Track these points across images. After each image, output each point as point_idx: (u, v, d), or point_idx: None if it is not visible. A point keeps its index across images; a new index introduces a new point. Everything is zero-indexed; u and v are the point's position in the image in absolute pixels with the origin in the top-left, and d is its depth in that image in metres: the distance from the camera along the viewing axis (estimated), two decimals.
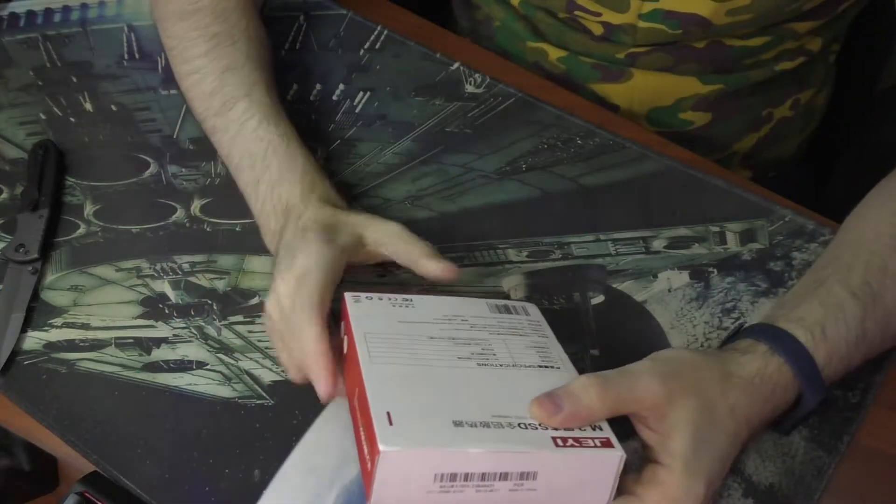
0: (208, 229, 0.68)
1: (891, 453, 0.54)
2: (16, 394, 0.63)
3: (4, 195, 0.72)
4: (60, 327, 0.65)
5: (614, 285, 0.62)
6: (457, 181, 0.68)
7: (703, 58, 0.72)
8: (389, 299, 0.54)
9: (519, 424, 0.44)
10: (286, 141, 0.62)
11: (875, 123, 0.85)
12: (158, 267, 0.67)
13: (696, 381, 0.48)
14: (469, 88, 0.71)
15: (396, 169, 0.69)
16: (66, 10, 0.81)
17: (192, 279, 0.66)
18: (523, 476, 0.43)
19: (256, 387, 0.61)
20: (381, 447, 0.41)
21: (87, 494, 0.55)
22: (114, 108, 0.75)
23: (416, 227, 0.65)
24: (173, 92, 0.74)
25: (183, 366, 0.62)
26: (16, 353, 0.64)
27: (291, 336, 0.52)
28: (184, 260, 0.67)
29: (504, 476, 0.43)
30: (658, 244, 0.63)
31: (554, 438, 0.44)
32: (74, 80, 0.77)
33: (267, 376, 0.61)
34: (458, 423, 0.44)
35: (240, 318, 0.64)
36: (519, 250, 0.64)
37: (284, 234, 0.57)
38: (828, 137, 0.89)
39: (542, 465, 0.43)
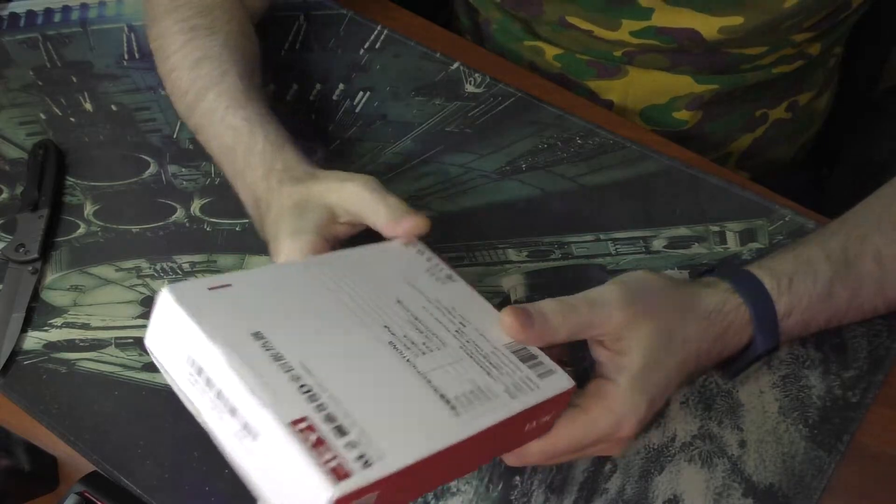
0: (208, 229, 0.68)
1: (891, 453, 0.54)
2: (16, 394, 0.63)
3: (4, 195, 0.72)
4: (60, 327, 0.65)
5: None
6: (457, 181, 0.68)
7: (700, 62, 0.72)
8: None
9: (308, 391, 0.36)
10: (249, 125, 0.58)
11: (876, 124, 0.84)
12: (158, 267, 0.67)
13: (658, 305, 0.48)
14: (469, 88, 0.71)
15: (396, 169, 0.69)
16: (66, 10, 0.81)
17: (192, 279, 0.66)
18: (246, 428, 0.35)
19: None
20: (164, 288, 0.39)
21: (87, 494, 0.55)
22: (114, 108, 0.75)
23: None
24: None
25: None
26: (16, 353, 0.64)
27: None
28: (184, 260, 0.67)
29: (233, 411, 0.36)
30: (658, 244, 0.63)
31: (295, 421, 0.34)
32: (74, 80, 0.77)
33: None
34: (257, 336, 0.37)
35: None
36: (519, 250, 0.64)
37: (266, 231, 0.55)
38: (828, 139, 0.89)
39: (263, 428, 0.35)
